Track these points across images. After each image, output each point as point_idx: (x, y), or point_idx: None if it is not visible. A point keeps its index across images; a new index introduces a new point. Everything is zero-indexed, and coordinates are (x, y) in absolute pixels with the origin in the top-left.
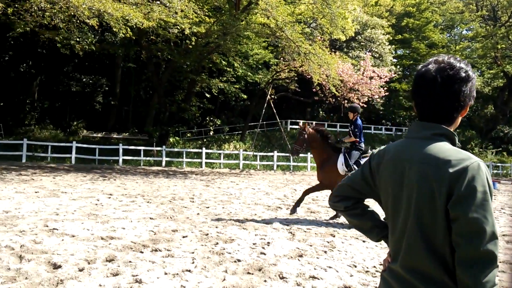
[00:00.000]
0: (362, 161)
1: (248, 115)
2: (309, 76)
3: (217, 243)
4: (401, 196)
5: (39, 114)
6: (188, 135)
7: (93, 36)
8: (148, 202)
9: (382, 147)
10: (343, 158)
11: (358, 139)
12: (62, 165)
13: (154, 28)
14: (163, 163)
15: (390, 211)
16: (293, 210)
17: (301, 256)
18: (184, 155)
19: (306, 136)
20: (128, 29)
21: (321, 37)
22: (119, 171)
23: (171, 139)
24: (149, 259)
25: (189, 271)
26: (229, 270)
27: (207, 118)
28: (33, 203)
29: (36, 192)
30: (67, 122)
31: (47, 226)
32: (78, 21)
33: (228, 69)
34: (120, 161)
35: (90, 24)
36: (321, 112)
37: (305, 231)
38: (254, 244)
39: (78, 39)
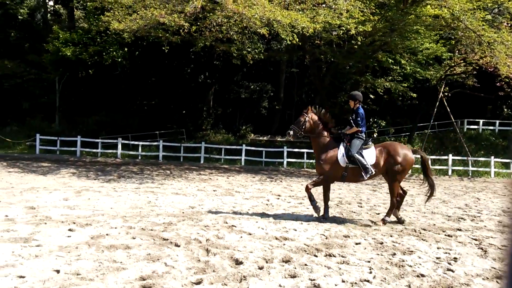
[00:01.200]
0: (364, 152)
1: (416, 115)
2: (492, 69)
3: (394, 254)
4: None
5: (214, 120)
6: None
7: (262, 45)
8: None
9: None
10: (344, 149)
11: (360, 129)
12: (234, 166)
13: (318, 32)
14: None
15: None
16: (325, 218)
17: (500, 278)
18: None
19: (307, 120)
20: (295, 35)
21: (508, 23)
22: (284, 172)
23: None
24: (324, 263)
25: (368, 281)
26: (413, 285)
27: (371, 120)
28: (212, 200)
29: (214, 190)
30: (237, 126)
31: (226, 223)
32: (249, 32)
33: (394, 67)
34: (285, 163)
35: (261, 33)
36: (505, 110)
37: (500, 248)
38: (437, 258)
39: (249, 49)
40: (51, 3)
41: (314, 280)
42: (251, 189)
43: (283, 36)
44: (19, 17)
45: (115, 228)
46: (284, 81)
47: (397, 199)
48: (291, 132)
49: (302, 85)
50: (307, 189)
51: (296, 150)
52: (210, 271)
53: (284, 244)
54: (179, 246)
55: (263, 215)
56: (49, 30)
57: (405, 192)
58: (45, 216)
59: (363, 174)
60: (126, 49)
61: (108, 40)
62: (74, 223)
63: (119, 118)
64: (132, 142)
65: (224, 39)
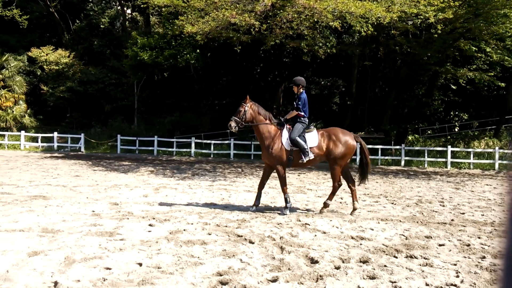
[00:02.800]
0: (307, 136)
1: (504, 107)
2: None
3: (483, 257)
4: None
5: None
6: (429, 132)
7: (334, 39)
8: (392, 203)
9: None
10: (287, 133)
11: (302, 113)
12: None
13: (393, 22)
14: (402, 163)
15: None
16: (255, 205)
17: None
18: (426, 154)
19: (247, 110)
20: (369, 26)
21: None
22: (357, 170)
23: (409, 137)
24: (406, 265)
25: (455, 286)
26: None
27: (451, 113)
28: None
29: None
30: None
31: (299, 221)
32: (320, 26)
33: (478, 55)
34: (357, 159)
35: (333, 26)
36: None
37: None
38: None
39: (320, 44)
40: (128, 11)
41: (395, 282)
42: (323, 187)
43: (356, 28)
44: (101, 26)
45: (192, 224)
46: (356, 75)
47: (339, 183)
48: (233, 124)
49: (376, 79)
50: (260, 187)
51: (369, 146)
52: (285, 269)
53: (361, 244)
54: (253, 243)
55: (337, 213)
56: (127, 37)
57: (353, 181)
58: (127, 211)
59: (302, 157)
60: (198, 51)
61: (182, 43)
62: (153, 218)
63: (192, 118)
64: (205, 141)
65: (294, 35)
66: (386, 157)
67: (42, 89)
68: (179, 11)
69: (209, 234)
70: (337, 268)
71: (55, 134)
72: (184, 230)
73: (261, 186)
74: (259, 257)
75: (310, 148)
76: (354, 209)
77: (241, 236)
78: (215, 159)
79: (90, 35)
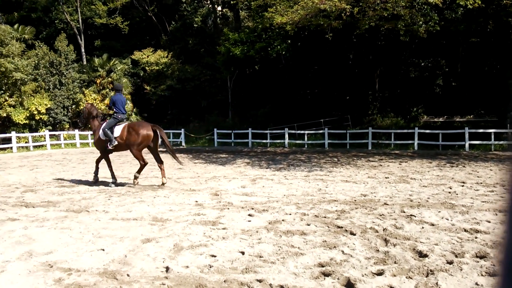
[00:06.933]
0: (115, 128)
1: None
2: None
3: None
4: None
5: (380, 104)
6: None
7: (436, 14)
8: None
9: None
10: (102, 126)
11: (112, 111)
12: (406, 151)
13: None
14: None
15: None
16: (94, 179)
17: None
18: None
19: (84, 110)
20: None
21: None
22: (466, 157)
23: None
24: None
25: None
26: None
27: None
28: (385, 188)
29: (386, 177)
30: (407, 108)
31: (404, 212)
32: (419, 3)
33: None
34: (467, 146)
35: (433, 3)
36: None
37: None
38: None
39: (420, 23)
40: (219, 8)
41: None
42: (428, 176)
43: (461, 2)
44: (194, 25)
45: (290, 214)
46: (461, 54)
47: (145, 162)
48: (78, 121)
49: (485, 57)
50: (97, 162)
51: (481, 130)
52: (391, 262)
53: (476, 237)
54: (354, 234)
55: (446, 204)
56: (219, 34)
57: (161, 162)
58: (227, 202)
59: (109, 143)
60: (289, 41)
61: (272, 35)
62: (252, 208)
63: (284, 109)
64: (298, 132)
65: (388, 16)
66: (501, 142)
67: (145, 89)
68: (268, 3)
69: (308, 225)
70: (450, 263)
71: None
72: (282, 220)
73: (109, 166)
74: (362, 249)
75: (115, 137)
76: (163, 183)
77: (341, 227)
78: (310, 149)
79: (185, 34)
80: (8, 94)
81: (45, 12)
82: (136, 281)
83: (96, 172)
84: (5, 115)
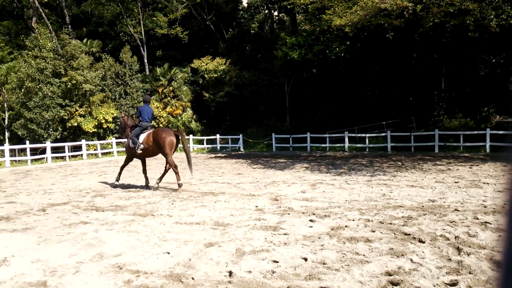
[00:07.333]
0: (141, 135)
1: None
2: None
3: None
4: None
5: (447, 104)
6: None
7: (509, 7)
8: None
9: None
10: (130, 135)
11: (139, 119)
12: (477, 154)
13: None
14: None
15: None
16: (116, 182)
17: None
18: None
19: (122, 123)
20: None
21: None
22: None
23: None
24: None
25: None
26: None
27: None
28: (455, 193)
29: (456, 182)
30: (477, 108)
31: (477, 219)
32: None
33: None
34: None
35: None
36: None
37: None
38: None
39: (491, 17)
40: (275, 13)
41: None
42: (503, 180)
43: None
44: (251, 31)
45: (353, 220)
46: None
47: (174, 167)
48: (117, 131)
49: None
50: (122, 168)
51: None
52: (465, 273)
53: None
54: (423, 242)
55: None
56: (276, 38)
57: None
58: (287, 207)
59: (136, 149)
60: (348, 42)
61: (330, 37)
62: (313, 214)
63: (343, 112)
64: (359, 135)
65: (455, 12)
66: None
67: (204, 96)
68: (325, 6)
69: (373, 232)
70: None
71: (218, 136)
72: (345, 226)
73: (122, 167)
74: (432, 257)
75: (140, 143)
76: (156, 183)
77: (409, 234)
78: (371, 153)
79: (242, 41)
80: (78, 104)
81: (111, 26)
82: (200, 284)
83: (118, 177)
84: (76, 124)
